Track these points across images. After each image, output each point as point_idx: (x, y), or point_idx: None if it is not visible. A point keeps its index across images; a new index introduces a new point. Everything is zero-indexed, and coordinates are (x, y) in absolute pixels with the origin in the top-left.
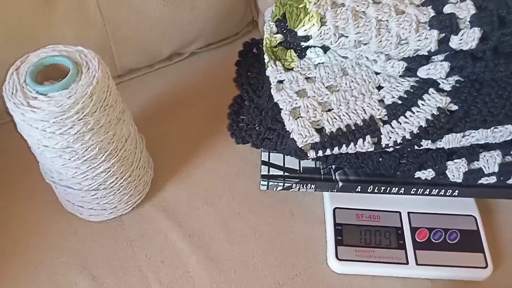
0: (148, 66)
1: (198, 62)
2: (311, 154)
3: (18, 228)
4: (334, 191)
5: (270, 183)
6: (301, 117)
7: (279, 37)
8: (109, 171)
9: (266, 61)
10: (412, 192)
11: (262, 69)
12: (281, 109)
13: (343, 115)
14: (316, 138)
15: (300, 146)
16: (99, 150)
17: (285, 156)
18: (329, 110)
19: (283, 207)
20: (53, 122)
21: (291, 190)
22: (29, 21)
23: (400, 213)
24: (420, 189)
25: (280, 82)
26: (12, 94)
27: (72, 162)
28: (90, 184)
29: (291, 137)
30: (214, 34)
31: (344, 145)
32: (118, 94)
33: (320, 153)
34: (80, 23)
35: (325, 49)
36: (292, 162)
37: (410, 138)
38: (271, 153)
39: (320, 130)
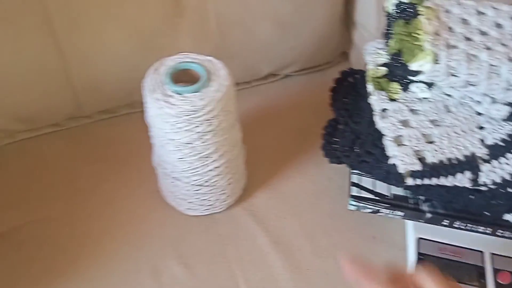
0: (246, 82)
1: (290, 84)
2: (410, 181)
3: (121, 212)
4: (420, 221)
5: (360, 205)
6: (404, 145)
7: (384, 69)
8: (217, 170)
9: (370, 90)
10: (498, 234)
11: (358, 98)
12: (384, 135)
13: (446, 149)
14: (418, 167)
15: (401, 172)
16: (214, 149)
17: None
18: (431, 142)
19: (366, 229)
20: (184, 119)
21: (378, 214)
22: (159, 31)
23: (483, 252)
24: (506, 232)
25: (383, 110)
26: (152, 90)
27: (189, 157)
28: (197, 180)
29: (391, 162)
30: (309, 60)
31: (443, 177)
32: (236, 102)
33: (419, 181)
34: (199, 36)
35: (429, 85)
36: (381, 187)
37: (509, 179)
38: (362, 177)
39: (420, 159)
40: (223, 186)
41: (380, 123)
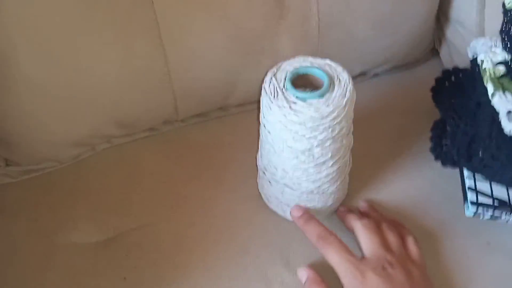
0: None
1: (380, 83)
2: None
3: (223, 218)
4: None
5: (479, 211)
6: None
7: (503, 68)
8: (329, 177)
9: (490, 91)
10: None
11: (465, 98)
12: None
13: None
14: None
15: None
16: (330, 156)
17: (492, 184)
18: None
19: (479, 235)
20: (309, 127)
21: (497, 220)
22: (261, 33)
23: None
24: None
25: (509, 113)
26: (275, 96)
27: (304, 164)
28: (308, 187)
29: None
30: (401, 59)
31: None
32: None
33: None
34: (299, 38)
35: None
36: (500, 193)
37: None
38: (476, 181)
39: None
40: (332, 192)
41: (509, 126)
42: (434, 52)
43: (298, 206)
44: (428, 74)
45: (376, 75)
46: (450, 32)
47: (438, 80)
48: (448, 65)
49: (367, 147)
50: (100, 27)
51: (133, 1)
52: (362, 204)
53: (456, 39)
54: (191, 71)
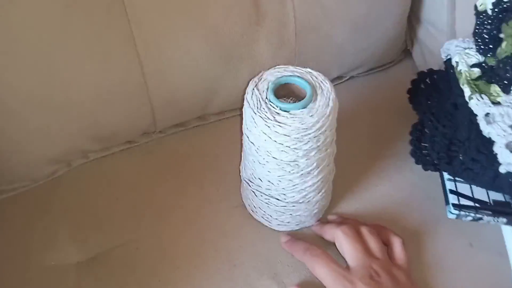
0: None
1: (355, 86)
2: None
3: (208, 229)
4: None
5: (461, 213)
6: None
7: (477, 70)
8: (314, 186)
9: (467, 93)
10: None
11: (441, 99)
12: (493, 142)
13: None
14: None
15: None
16: (316, 165)
17: (472, 186)
18: None
19: (460, 237)
20: (294, 138)
21: (480, 221)
22: (239, 40)
23: None
24: None
25: (487, 115)
26: (258, 108)
27: (290, 175)
28: (294, 197)
29: (505, 170)
30: (377, 61)
31: None
32: None
33: None
34: (277, 44)
35: None
36: (481, 194)
37: None
38: (457, 183)
39: None
40: (316, 201)
41: (487, 129)
42: (406, 52)
43: (284, 234)
44: (402, 74)
45: (352, 77)
46: (422, 33)
47: (413, 82)
48: (421, 65)
49: (348, 151)
50: (75, 40)
51: (107, 12)
52: (332, 217)
53: (428, 40)
54: (168, 81)
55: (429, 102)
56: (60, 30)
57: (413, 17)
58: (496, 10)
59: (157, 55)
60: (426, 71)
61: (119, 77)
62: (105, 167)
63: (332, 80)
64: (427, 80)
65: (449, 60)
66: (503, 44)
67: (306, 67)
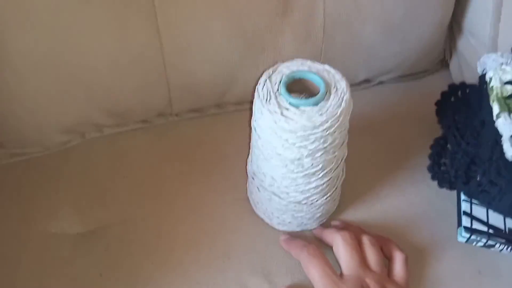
0: None
1: (384, 92)
2: None
3: (208, 219)
4: None
5: (472, 237)
6: None
7: (511, 88)
8: (318, 188)
9: (495, 112)
10: None
11: (470, 116)
12: None
13: None
14: None
15: None
16: (321, 167)
17: (489, 211)
18: None
19: (470, 262)
20: (300, 135)
21: (491, 249)
22: (263, 30)
23: None
24: None
25: None
26: (267, 100)
27: (293, 174)
28: (296, 197)
29: None
30: (409, 68)
31: None
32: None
33: None
34: (302, 38)
35: None
36: (496, 220)
37: None
38: (473, 205)
39: None
40: (321, 204)
41: (511, 151)
42: (443, 63)
43: (285, 233)
44: (436, 86)
45: (381, 82)
46: (462, 44)
47: (443, 95)
48: (457, 78)
49: (364, 158)
50: (96, 7)
51: None
52: (336, 223)
53: (467, 52)
54: (187, 63)
55: (456, 117)
56: None
57: (455, 25)
58: None
59: (177, 33)
60: (458, 84)
61: (137, 51)
62: (118, 144)
63: (359, 83)
64: (459, 93)
65: (484, 74)
66: None
67: (326, 64)
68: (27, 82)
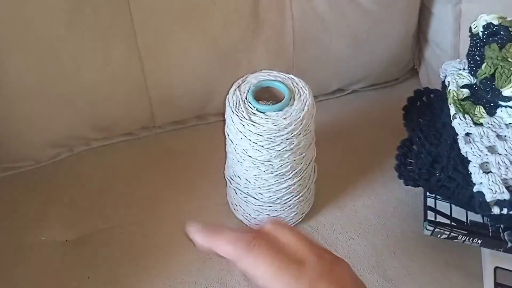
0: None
1: (357, 100)
2: (495, 210)
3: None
4: (499, 250)
5: (436, 230)
6: (492, 172)
7: (466, 91)
8: (290, 188)
9: (452, 113)
10: None
11: (434, 118)
12: (469, 161)
13: None
14: (506, 196)
15: (488, 201)
16: (290, 167)
17: (452, 205)
18: None
19: (437, 254)
20: (266, 138)
21: (455, 240)
22: (237, 45)
23: None
24: None
25: (467, 135)
26: (236, 107)
27: (265, 174)
28: (270, 197)
29: (477, 190)
30: (379, 77)
31: None
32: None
33: (505, 211)
34: (274, 52)
35: None
36: (459, 213)
37: None
38: (437, 201)
39: (508, 188)
40: (294, 204)
41: (465, 148)
42: (414, 72)
43: (191, 224)
44: (407, 93)
45: (354, 91)
46: (428, 53)
47: (410, 100)
48: (426, 85)
49: (338, 161)
50: (81, 36)
51: (113, 10)
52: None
53: (433, 60)
54: (166, 79)
55: (420, 120)
56: (67, 26)
57: (422, 37)
58: (486, 32)
59: (156, 53)
60: (422, 89)
61: (120, 71)
62: (105, 156)
63: (333, 92)
64: (424, 98)
65: (445, 80)
66: (483, 66)
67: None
68: (20, 106)
